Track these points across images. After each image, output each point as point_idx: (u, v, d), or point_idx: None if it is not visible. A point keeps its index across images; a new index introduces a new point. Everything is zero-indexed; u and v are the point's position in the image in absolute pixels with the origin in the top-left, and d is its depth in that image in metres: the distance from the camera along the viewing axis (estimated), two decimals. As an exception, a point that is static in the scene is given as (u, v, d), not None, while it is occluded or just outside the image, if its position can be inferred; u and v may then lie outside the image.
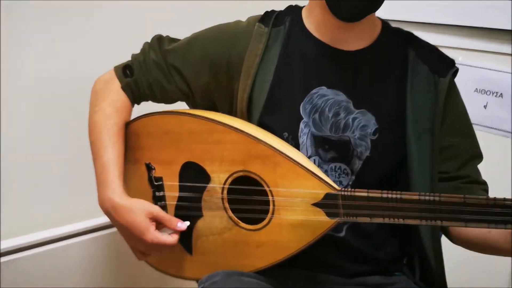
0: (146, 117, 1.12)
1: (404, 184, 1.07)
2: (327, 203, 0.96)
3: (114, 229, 1.11)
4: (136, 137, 1.14)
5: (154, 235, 1.02)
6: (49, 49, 1.49)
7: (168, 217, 1.05)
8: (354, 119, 1.07)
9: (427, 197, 0.87)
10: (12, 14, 1.42)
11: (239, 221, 1.05)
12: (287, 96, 1.08)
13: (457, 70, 1.10)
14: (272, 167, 1.00)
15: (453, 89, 1.11)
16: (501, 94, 1.54)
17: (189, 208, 1.09)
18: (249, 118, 1.10)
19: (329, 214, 0.96)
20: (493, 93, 1.55)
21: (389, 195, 0.90)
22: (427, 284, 1.11)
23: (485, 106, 1.55)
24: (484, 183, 1.13)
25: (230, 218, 1.06)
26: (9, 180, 1.49)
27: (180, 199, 1.11)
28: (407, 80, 1.09)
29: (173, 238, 1.04)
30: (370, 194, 0.92)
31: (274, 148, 1.00)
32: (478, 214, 0.86)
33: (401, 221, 0.90)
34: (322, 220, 0.96)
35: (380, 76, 1.09)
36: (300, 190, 0.97)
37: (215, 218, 1.07)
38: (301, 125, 1.07)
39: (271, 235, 1.02)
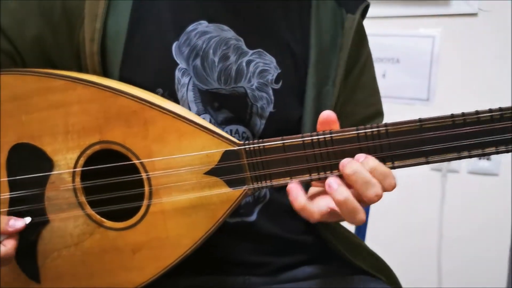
0: None
1: None
2: (226, 167, 0.58)
3: None
4: None
5: None
6: None
7: None
8: (249, 62, 0.72)
9: (373, 130, 0.54)
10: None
11: (103, 219, 0.64)
12: (153, 38, 0.70)
13: (368, 6, 0.79)
14: (141, 129, 0.61)
15: (361, 30, 0.80)
16: (397, 59, 1.31)
17: (27, 213, 0.66)
18: (106, 76, 0.69)
19: (231, 183, 0.59)
20: (389, 60, 1.31)
21: (319, 137, 0.55)
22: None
23: (383, 75, 1.31)
24: None
25: (90, 216, 0.64)
26: None
27: (12, 202, 0.66)
28: (311, 14, 0.76)
29: (6, 248, 0.61)
30: (287, 141, 0.57)
31: (143, 99, 0.61)
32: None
33: (336, 172, 0.57)
34: (223, 193, 0.59)
35: (278, 5, 0.75)
36: (186, 155, 0.60)
37: (68, 221, 0.65)
38: (177, 74, 0.69)
39: (152, 231, 0.62)
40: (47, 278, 0.67)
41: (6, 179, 0.66)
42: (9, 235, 0.63)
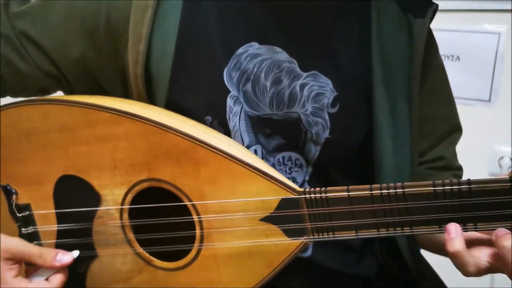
0: (-8, 114, 0.65)
1: (367, 173, 0.66)
2: (285, 215, 0.52)
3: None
4: (-17, 147, 0.67)
5: (13, 285, 0.55)
6: None
7: (37, 250, 0.57)
8: (303, 86, 0.64)
9: (453, 188, 0.46)
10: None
11: (152, 257, 0.60)
12: (202, 62, 0.63)
13: (436, 8, 0.68)
14: (193, 169, 0.55)
15: (432, 39, 0.70)
16: (458, 56, 1.19)
17: (76, 246, 0.62)
18: (151, 101, 0.64)
19: (289, 232, 0.53)
20: (448, 57, 1.20)
21: (390, 191, 0.49)
22: None
23: (440, 73, 1.19)
24: (459, 169, 0.74)
25: (139, 254, 0.60)
26: None
27: (60, 234, 0.63)
28: (371, 24, 0.66)
29: (51, 284, 0.57)
30: (354, 193, 0.51)
31: (193, 137, 0.55)
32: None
33: (407, 230, 0.50)
34: (280, 243, 0.54)
35: (333, 21, 0.66)
36: (241, 200, 0.54)
37: (117, 257, 0.61)
38: (229, 102, 0.63)
39: (203, 275, 0.57)
40: (97, 312, 0.65)
41: (54, 211, 0.63)
42: (56, 269, 0.60)
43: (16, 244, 0.57)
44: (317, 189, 0.52)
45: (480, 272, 0.49)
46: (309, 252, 0.66)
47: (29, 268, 0.60)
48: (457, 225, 0.49)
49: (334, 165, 0.67)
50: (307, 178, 0.67)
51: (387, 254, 0.71)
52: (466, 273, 0.50)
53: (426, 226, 0.48)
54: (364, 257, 0.71)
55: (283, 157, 0.66)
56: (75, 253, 0.60)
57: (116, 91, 0.66)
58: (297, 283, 0.65)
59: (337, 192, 0.50)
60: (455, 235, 0.49)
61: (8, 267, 0.56)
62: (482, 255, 0.50)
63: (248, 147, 0.64)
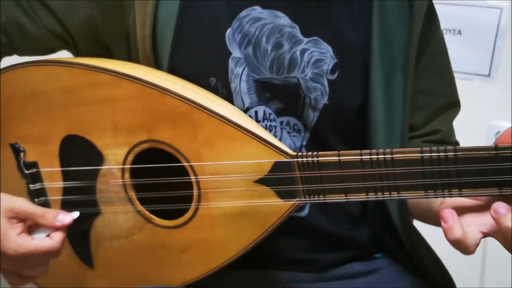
0: (-2, 75, 0.66)
1: (361, 141, 0.68)
2: (278, 178, 0.54)
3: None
4: (-9, 106, 0.68)
5: (17, 242, 0.56)
6: None
7: (40, 211, 0.59)
8: (303, 51, 0.65)
9: (439, 155, 0.47)
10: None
11: (152, 216, 0.62)
12: (205, 24, 0.64)
13: None
14: (190, 131, 0.57)
15: (432, 13, 0.70)
16: (459, 30, 1.18)
17: (80, 203, 0.65)
18: (157, 65, 0.65)
19: (282, 194, 0.54)
20: (449, 31, 1.19)
21: (379, 157, 0.50)
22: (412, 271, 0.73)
23: (442, 47, 1.18)
24: (456, 144, 0.74)
25: (139, 212, 0.62)
26: None
27: (66, 191, 0.65)
28: None
29: (52, 241, 0.58)
30: (344, 158, 0.52)
31: (191, 100, 0.56)
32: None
33: (395, 194, 0.51)
34: (273, 204, 0.55)
35: None
36: (236, 162, 0.56)
37: (118, 214, 0.63)
38: (231, 63, 0.64)
39: (200, 233, 0.59)
40: (99, 265, 0.67)
41: (60, 169, 0.65)
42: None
43: (20, 204, 0.59)
44: (309, 153, 0.53)
45: (476, 247, 0.49)
46: (305, 212, 0.68)
47: (31, 225, 0.61)
48: (453, 211, 0.49)
49: (331, 131, 0.68)
50: (304, 143, 0.68)
51: (379, 223, 0.72)
52: (467, 253, 0.50)
53: (413, 191, 0.49)
54: (360, 225, 0.73)
55: (282, 121, 0.67)
56: (75, 214, 0.61)
57: (121, 53, 0.67)
58: (292, 241, 0.68)
59: (328, 157, 0.52)
60: (452, 222, 0.49)
61: (12, 225, 0.58)
62: (475, 229, 0.50)
63: (248, 108, 0.65)
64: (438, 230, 0.56)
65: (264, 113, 0.66)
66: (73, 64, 0.61)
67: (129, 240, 0.64)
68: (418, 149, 0.48)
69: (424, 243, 0.70)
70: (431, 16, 0.70)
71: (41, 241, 0.58)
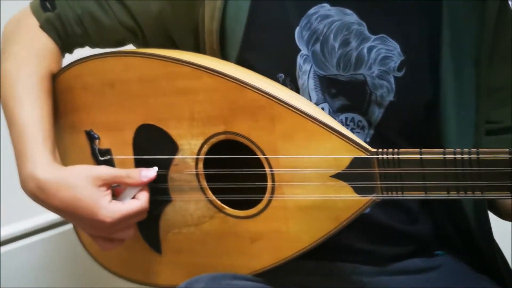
0: (79, 63, 0.66)
1: (431, 137, 0.66)
2: (355, 173, 0.54)
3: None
4: (70, 93, 0.68)
5: (111, 209, 0.59)
6: None
7: (124, 172, 0.62)
8: (370, 49, 0.64)
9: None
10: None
11: (223, 205, 0.62)
12: (275, 21, 0.64)
13: None
14: (268, 124, 0.57)
15: (506, 5, 0.68)
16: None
17: (152, 190, 0.64)
18: (224, 58, 0.65)
19: (359, 190, 0.54)
20: None
21: (464, 156, 0.49)
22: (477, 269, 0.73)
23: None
24: None
25: (211, 201, 0.63)
26: None
27: (138, 178, 0.69)
28: None
29: (141, 201, 0.61)
30: (426, 156, 0.52)
31: (270, 94, 0.57)
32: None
33: (478, 194, 0.51)
34: (349, 199, 0.55)
35: None
36: (313, 156, 0.56)
37: (189, 202, 0.64)
38: (299, 60, 0.64)
39: (272, 224, 0.60)
40: (168, 251, 0.68)
41: (133, 157, 0.67)
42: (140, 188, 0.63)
43: (105, 170, 0.63)
44: (390, 150, 0.52)
45: None
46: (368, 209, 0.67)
47: (115, 191, 0.63)
48: None
49: (396, 129, 0.67)
50: (368, 140, 0.68)
51: (442, 219, 0.71)
52: None
53: (498, 192, 0.48)
54: (419, 220, 0.72)
55: (346, 118, 0.67)
56: (156, 168, 0.64)
57: (188, 45, 0.68)
58: (355, 237, 0.67)
59: (410, 154, 0.51)
60: None
61: (103, 194, 0.60)
62: None
63: (315, 105, 0.65)
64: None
65: (329, 111, 0.66)
66: (152, 55, 0.62)
67: (199, 228, 0.65)
68: (507, 150, 0.48)
69: (495, 244, 0.69)
70: (506, 6, 0.67)
71: (131, 203, 0.61)
